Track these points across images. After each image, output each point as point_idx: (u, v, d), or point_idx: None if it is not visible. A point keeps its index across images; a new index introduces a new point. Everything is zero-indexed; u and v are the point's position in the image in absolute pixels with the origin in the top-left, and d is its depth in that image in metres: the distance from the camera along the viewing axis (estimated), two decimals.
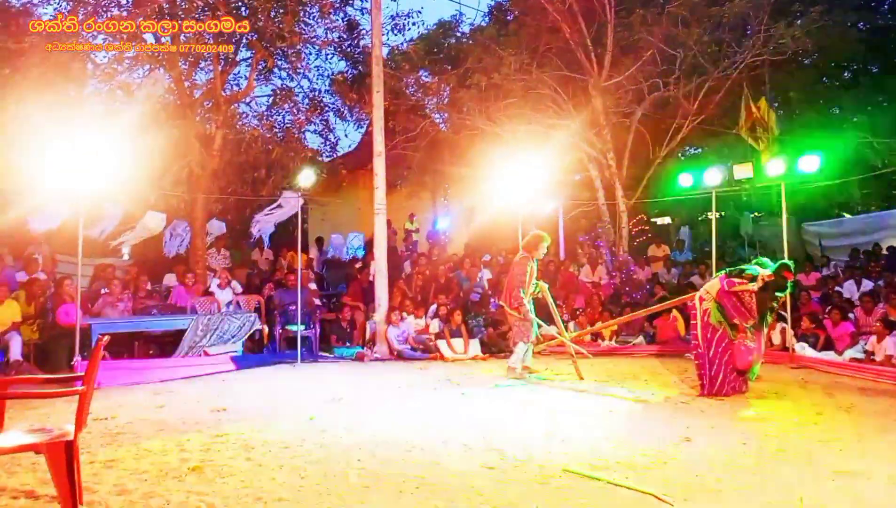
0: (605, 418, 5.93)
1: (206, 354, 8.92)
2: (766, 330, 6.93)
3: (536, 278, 8.16)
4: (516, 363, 7.99)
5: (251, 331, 9.48)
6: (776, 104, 15.95)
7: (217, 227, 13.20)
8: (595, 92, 13.23)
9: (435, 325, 10.33)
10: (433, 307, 10.77)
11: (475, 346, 9.91)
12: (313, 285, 11.45)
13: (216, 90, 11.22)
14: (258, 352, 9.78)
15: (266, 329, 10.00)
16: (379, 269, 10.25)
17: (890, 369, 7.57)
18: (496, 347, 10.12)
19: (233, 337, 9.23)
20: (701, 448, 4.89)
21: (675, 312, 10.46)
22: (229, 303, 10.30)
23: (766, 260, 6.72)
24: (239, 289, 10.74)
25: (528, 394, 7.11)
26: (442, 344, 9.91)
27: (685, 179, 10.15)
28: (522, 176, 11.01)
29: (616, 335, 10.44)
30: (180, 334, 8.93)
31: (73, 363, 7.58)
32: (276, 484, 4.12)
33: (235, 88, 12.34)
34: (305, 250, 12.06)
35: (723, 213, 20.74)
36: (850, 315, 9.34)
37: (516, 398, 6.88)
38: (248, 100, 12.49)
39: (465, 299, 11.50)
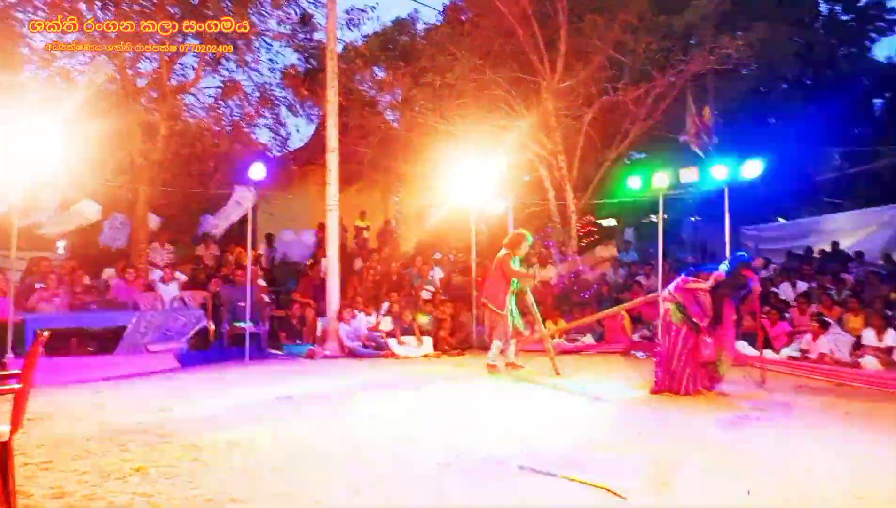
0: (561, 415, 6.00)
1: (149, 352, 8.60)
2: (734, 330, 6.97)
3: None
4: (495, 359, 8.08)
5: (197, 328, 9.20)
6: (716, 112, 16.49)
7: (155, 222, 12.74)
8: (547, 94, 13.40)
9: (387, 323, 10.26)
10: (385, 305, 10.69)
11: (427, 344, 9.89)
12: (262, 282, 11.20)
13: (162, 80, 10.86)
14: (204, 350, 9.49)
15: (213, 327, 9.71)
16: (331, 265, 10.11)
17: (824, 366, 7.93)
18: (448, 345, 10.13)
19: (177, 334, 8.93)
20: (653, 444, 5.00)
21: (623, 311, 10.69)
22: (173, 299, 9.96)
23: (726, 262, 6.78)
24: (184, 279, 10.40)
25: (485, 392, 7.13)
26: (393, 342, 9.86)
27: (634, 182, 10.38)
28: (474, 175, 11.07)
29: (565, 334, 10.59)
30: (121, 331, 8.59)
31: (3, 359, 7.19)
32: (227, 485, 3.99)
33: (182, 78, 11.98)
34: (254, 246, 11.81)
35: (666, 216, 21.40)
36: (787, 315, 9.74)
37: (472, 395, 6.89)
38: (195, 91, 12.14)
39: (416, 296, 11.46)
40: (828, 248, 14.63)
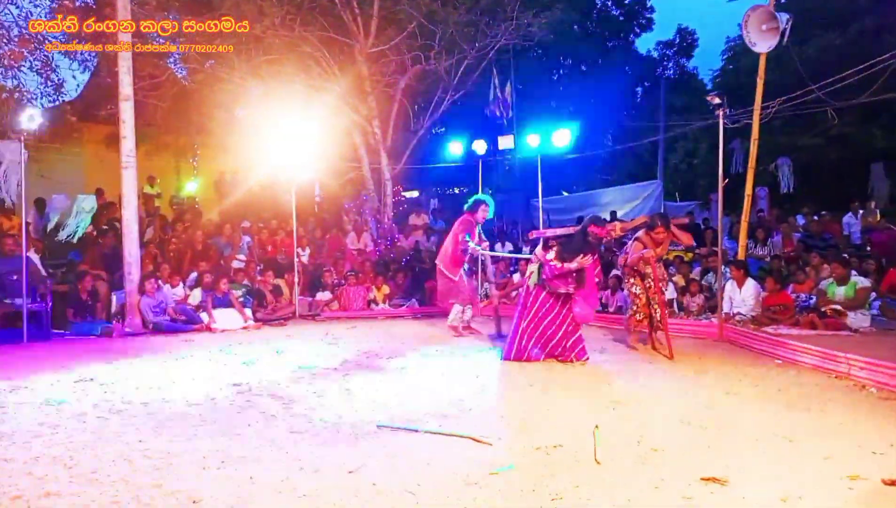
0: (402, 376, 5.94)
1: None
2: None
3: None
4: (456, 321, 7.99)
5: None
6: (518, 87, 17.53)
7: None
8: (361, 57, 13.12)
9: (197, 295, 9.36)
10: (193, 275, 9.74)
11: (247, 315, 9.19)
12: (35, 254, 9.53)
13: None
14: None
15: None
16: (128, 232, 8.88)
17: (620, 316, 8.87)
18: (268, 315, 9.57)
19: None
20: (497, 394, 5.17)
21: None
22: None
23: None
24: None
25: (309, 360, 6.82)
26: (205, 315, 9.02)
27: (455, 147, 10.60)
28: (284, 139, 10.47)
29: (389, 299, 10.59)
30: None
31: None
32: (35, 479, 3.34)
33: None
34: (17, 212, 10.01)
35: (465, 189, 22.41)
36: None
37: (303, 364, 6.54)
38: None
39: (227, 266, 10.62)
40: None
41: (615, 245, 10.34)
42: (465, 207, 8.00)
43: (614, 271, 9.73)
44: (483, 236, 8.20)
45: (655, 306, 6.93)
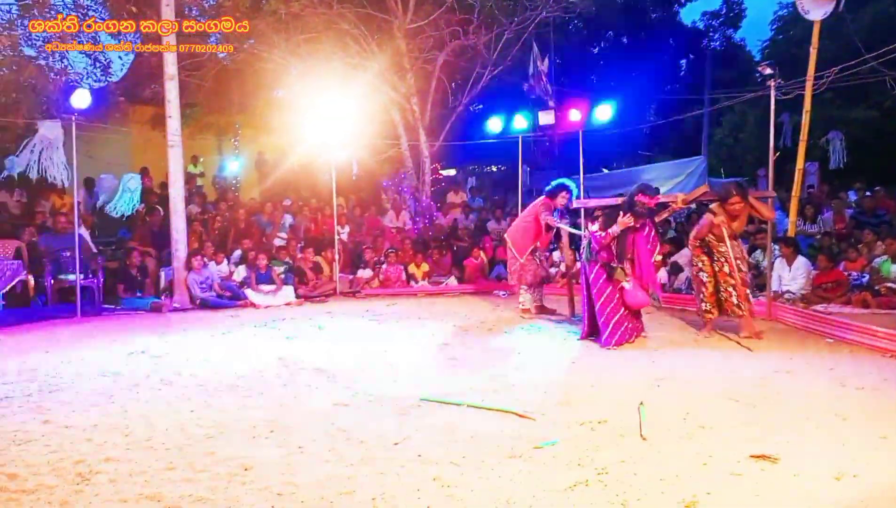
0: (444, 351, 5.97)
1: None
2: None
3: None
4: (527, 304, 7.70)
5: (12, 283, 7.86)
6: (558, 62, 17.21)
7: None
8: (399, 34, 13.02)
9: (241, 271, 9.54)
10: (237, 253, 9.93)
11: (288, 291, 9.34)
12: (85, 231, 9.83)
13: None
14: (24, 307, 8.17)
15: (32, 280, 8.36)
16: (175, 209, 9.08)
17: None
18: (311, 292, 9.72)
19: None
20: (539, 370, 5.15)
21: (482, 253, 10.95)
22: None
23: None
24: None
25: (351, 333, 6.91)
26: (250, 291, 9.21)
27: (494, 124, 10.46)
28: (324, 119, 10.50)
29: (429, 276, 10.63)
30: None
31: None
32: (93, 446, 3.49)
33: None
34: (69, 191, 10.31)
35: (503, 167, 22.23)
36: None
37: (345, 340, 6.63)
38: None
39: (268, 244, 10.80)
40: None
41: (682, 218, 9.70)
42: (546, 190, 7.45)
43: (676, 256, 9.38)
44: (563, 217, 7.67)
45: (730, 290, 6.08)
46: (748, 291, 6.29)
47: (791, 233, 8.77)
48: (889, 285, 7.72)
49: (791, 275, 8.32)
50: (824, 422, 3.65)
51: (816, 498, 2.70)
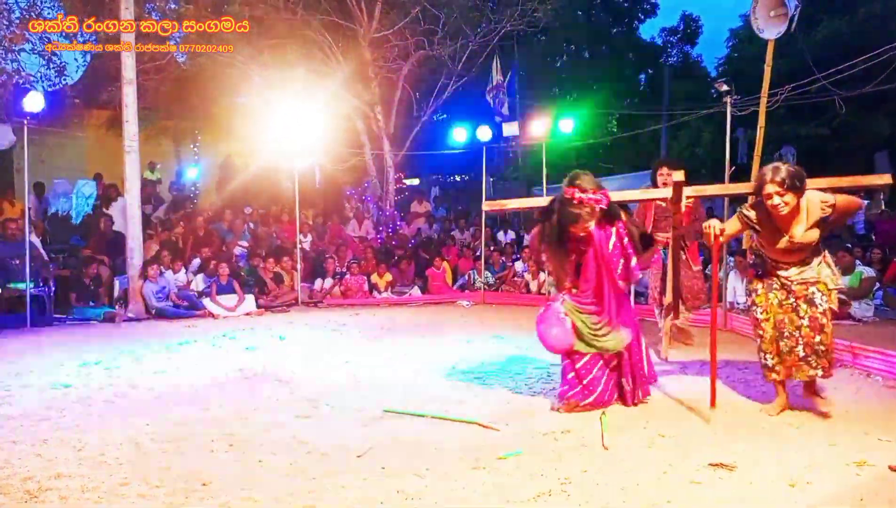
0: (406, 363, 5.93)
1: None
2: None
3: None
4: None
5: None
6: (521, 73, 17.42)
7: None
8: (363, 42, 13.02)
9: (199, 280, 9.34)
10: (196, 261, 9.73)
11: (249, 301, 9.17)
12: (36, 238, 9.50)
13: None
14: None
15: None
16: (131, 216, 8.85)
17: None
18: (272, 302, 9.57)
19: None
20: (505, 379, 5.17)
21: (444, 263, 10.97)
22: None
23: None
24: None
25: (313, 344, 6.83)
26: (207, 301, 9.01)
27: (459, 134, 10.53)
28: (287, 126, 10.39)
29: (392, 287, 10.57)
30: None
31: None
32: (43, 461, 3.37)
33: None
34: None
35: (466, 177, 22.32)
36: None
37: (307, 351, 6.55)
38: None
39: (229, 252, 10.61)
40: None
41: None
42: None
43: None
44: None
45: (799, 339, 3.84)
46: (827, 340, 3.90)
47: (745, 246, 9.01)
48: (840, 296, 7.98)
49: (744, 287, 8.54)
50: (779, 431, 3.74)
51: (773, 505, 2.77)
